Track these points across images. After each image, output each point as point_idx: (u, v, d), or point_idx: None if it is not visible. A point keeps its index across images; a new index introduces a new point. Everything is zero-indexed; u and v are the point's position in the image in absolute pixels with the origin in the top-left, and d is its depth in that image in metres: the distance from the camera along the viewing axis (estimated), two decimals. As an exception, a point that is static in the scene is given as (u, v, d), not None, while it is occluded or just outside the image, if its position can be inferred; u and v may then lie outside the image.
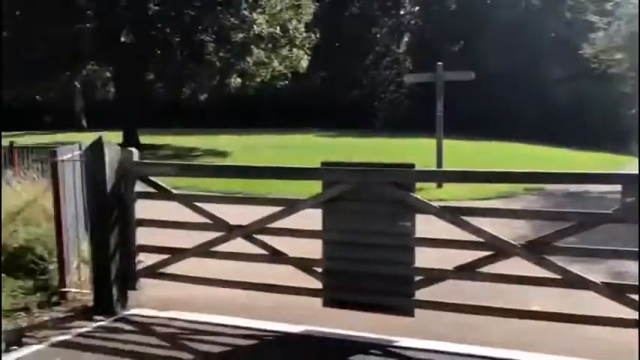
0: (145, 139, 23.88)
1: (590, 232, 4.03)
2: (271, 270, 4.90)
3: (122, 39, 21.73)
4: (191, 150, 23.27)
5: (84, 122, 38.30)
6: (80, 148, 7.00)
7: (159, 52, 22.36)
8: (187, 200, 5.03)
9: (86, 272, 5.44)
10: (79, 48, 20.98)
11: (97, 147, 4.85)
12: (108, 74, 27.45)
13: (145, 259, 5.19)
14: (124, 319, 4.73)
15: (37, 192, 7.40)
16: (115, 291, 4.87)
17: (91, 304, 4.99)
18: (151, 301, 5.12)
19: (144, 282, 5.15)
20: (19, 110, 34.20)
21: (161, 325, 4.61)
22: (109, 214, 4.86)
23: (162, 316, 4.78)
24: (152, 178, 5.05)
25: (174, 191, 5.20)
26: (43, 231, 6.30)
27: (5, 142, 13.78)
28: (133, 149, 5.13)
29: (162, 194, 5.08)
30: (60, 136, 24.81)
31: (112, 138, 5.37)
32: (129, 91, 24.05)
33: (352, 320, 4.46)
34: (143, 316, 4.80)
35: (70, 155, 5.69)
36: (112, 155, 4.89)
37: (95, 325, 4.62)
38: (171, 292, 5.18)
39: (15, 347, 4.18)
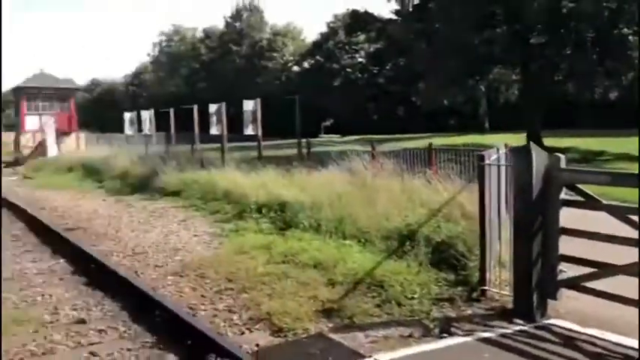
0: (547, 141, 23.20)
1: None
2: None
3: (531, 41, 21.57)
4: (599, 154, 21.51)
5: (486, 124, 39.87)
6: (497, 152, 7.24)
7: (569, 51, 21.36)
8: (620, 212, 4.62)
9: (502, 273, 5.57)
10: (489, 53, 21.78)
11: (524, 152, 4.90)
12: (514, 77, 27.69)
13: (565, 270, 5.00)
14: (545, 328, 4.65)
15: (454, 191, 7.98)
16: (535, 297, 4.84)
17: (509, 305, 5.09)
18: (569, 313, 4.91)
19: (563, 293, 4.98)
20: (429, 114, 37.86)
21: (584, 341, 4.36)
22: (534, 220, 4.84)
23: (584, 332, 4.52)
24: (580, 186, 4.82)
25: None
26: (461, 228, 6.74)
27: (424, 143, 15.36)
28: (560, 155, 5.00)
29: (590, 203, 4.80)
30: (464, 139, 26.33)
31: (514, 140, 5.37)
32: (534, 92, 23.75)
33: None
34: (564, 329, 4.63)
35: (494, 158, 5.92)
36: (538, 161, 4.88)
37: (516, 328, 4.67)
38: (590, 307, 4.86)
39: (445, 335, 4.57)
